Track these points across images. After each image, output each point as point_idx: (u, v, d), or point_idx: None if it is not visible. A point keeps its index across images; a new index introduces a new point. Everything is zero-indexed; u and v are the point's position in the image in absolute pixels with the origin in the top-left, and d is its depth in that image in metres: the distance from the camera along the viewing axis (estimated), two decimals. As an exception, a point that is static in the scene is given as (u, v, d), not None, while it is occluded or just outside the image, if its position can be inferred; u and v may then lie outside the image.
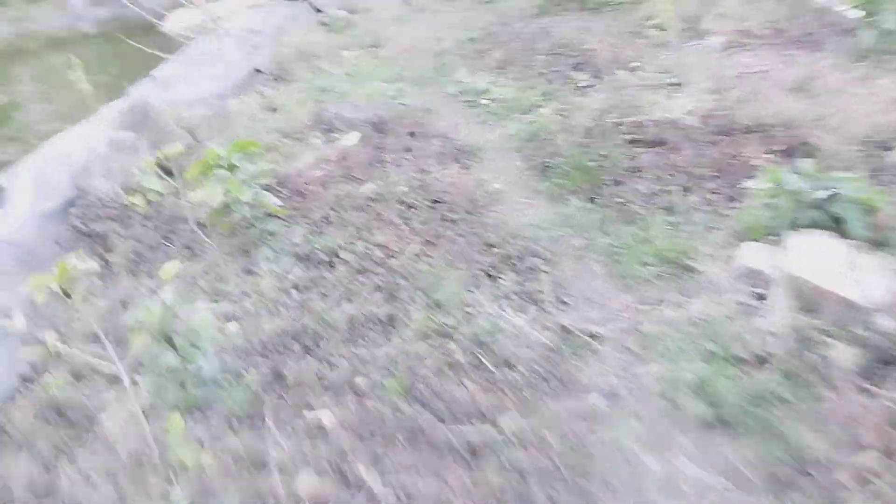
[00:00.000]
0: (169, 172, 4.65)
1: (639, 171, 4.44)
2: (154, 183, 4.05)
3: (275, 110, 6.34)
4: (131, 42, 7.66)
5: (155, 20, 9.55)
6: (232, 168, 3.71)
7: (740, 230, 3.60)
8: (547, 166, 4.84)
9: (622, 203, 4.20)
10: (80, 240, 3.94)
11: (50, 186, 4.11)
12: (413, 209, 4.28)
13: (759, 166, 4.15)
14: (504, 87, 6.32)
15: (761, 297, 3.18)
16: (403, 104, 6.41)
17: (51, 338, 3.15)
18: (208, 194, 3.55)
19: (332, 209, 4.21)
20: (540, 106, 5.86)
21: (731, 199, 4.01)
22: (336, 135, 5.50)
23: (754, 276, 3.26)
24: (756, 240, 3.47)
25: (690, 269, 3.55)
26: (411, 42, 8.43)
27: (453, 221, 4.17)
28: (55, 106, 7.99)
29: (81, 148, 4.31)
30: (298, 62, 7.75)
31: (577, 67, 6.60)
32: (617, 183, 4.41)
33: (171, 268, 2.75)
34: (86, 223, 3.97)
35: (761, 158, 4.31)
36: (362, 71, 7.37)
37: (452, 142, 5.43)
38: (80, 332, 3.31)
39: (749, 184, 3.93)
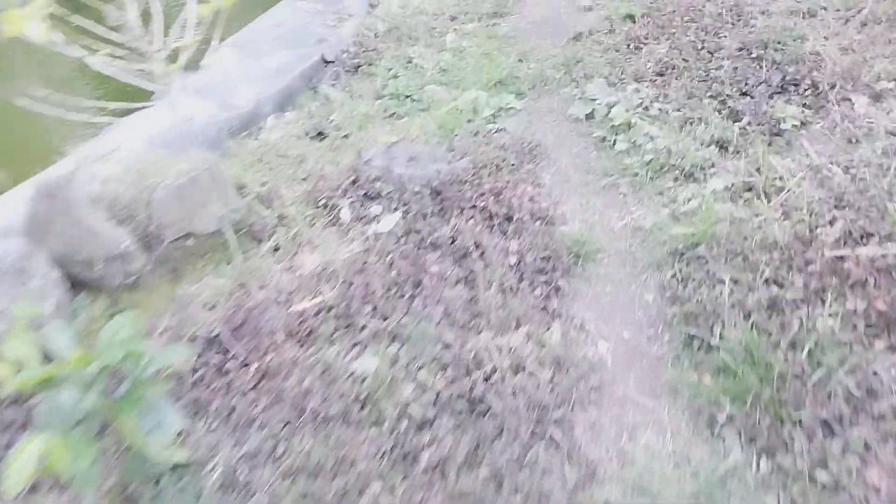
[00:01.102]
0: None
1: (875, 400, 2.25)
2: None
3: (322, 137, 4.62)
4: None
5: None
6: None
7: None
8: (693, 337, 2.77)
9: (832, 488, 2.09)
10: None
11: None
12: (423, 430, 2.45)
13: None
14: (658, 119, 4.11)
15: None
16: (502, 131, 4.44)
17: None
18: None
19: (285, 423, 2.49)
20: (710, 169, 3.64)
21: None
22: (375, 206, 3.71)
23: None
24: None
25: None
26: (546, 11, 6.21)
27: (490, 474, 2.31)
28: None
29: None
30: (388, 42, 5.90)
31: (783, 86, 4.19)
32: (827, 427, 2.27)
33: None
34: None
35: None
36: (464, 62, 5.39)
37: (549, 230, 3.45)
38: None
39: None
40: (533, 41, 5.66)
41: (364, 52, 5.77)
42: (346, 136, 4.62)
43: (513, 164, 4.04)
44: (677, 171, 3.67)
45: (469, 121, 4.59)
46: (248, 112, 4.67)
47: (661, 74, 4.54)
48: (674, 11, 5.21)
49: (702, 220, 3.20)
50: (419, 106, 4.97)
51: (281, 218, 3.78)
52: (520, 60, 5.41)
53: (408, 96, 5.08)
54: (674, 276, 3.03)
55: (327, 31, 6.09)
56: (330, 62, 5.58)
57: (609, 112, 4.24)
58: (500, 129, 4.50)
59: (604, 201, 3.72)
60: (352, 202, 3.77)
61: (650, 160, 3.76)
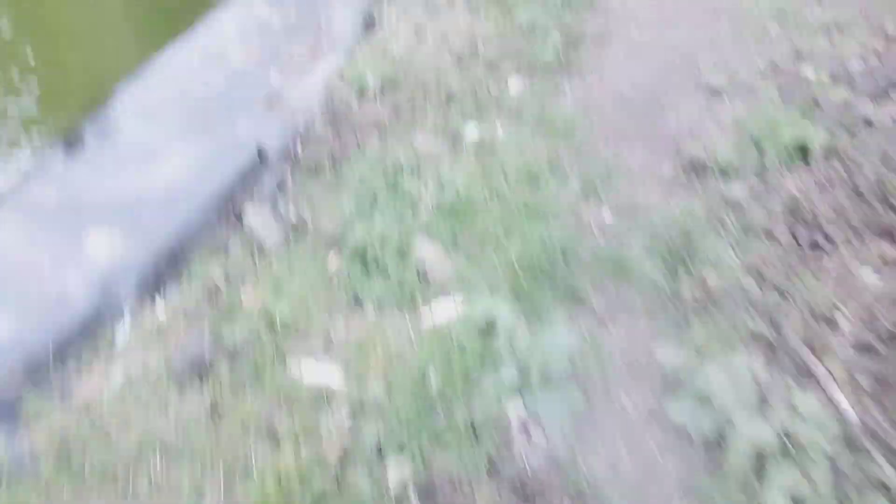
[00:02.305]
0: None
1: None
2: None
3: (204, 376, 2.39)
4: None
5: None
6: None
7: None
8: None
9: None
10: None
11: None
12: None
13: None
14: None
15: None
16: (532, 428, 2.18)
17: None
18: None
19: None
20: None
21: None
22: None
23: None
24: None
25: None
26: (641, 73, 3.62)
27: None
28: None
29: None
30: (378, 108, 3.48)
31: None
32: None
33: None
34: None
35: None
36: (488, 184, 3.00)
37: None
38: None
39: None
40: (611, 147, 3.18)
41: (334, 133, 3.38)
42: (253, 372, 2.40)
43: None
44: None
45: (469, 379, 2.31)
46: (85, 312, 2.46)
47: (866, 350, 2.13)
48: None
49: None
50: (394, 290, 2.69)
51: None
52: (585, 195, 2.98)
53: (378, 264, 2.77)
54: None
55: (286, 76, 3.65)
56: (264, 158, 3.21)
57: (756, 467, 1.92)
58: (530, 421, 2.22)
59: None
60: None
61: None
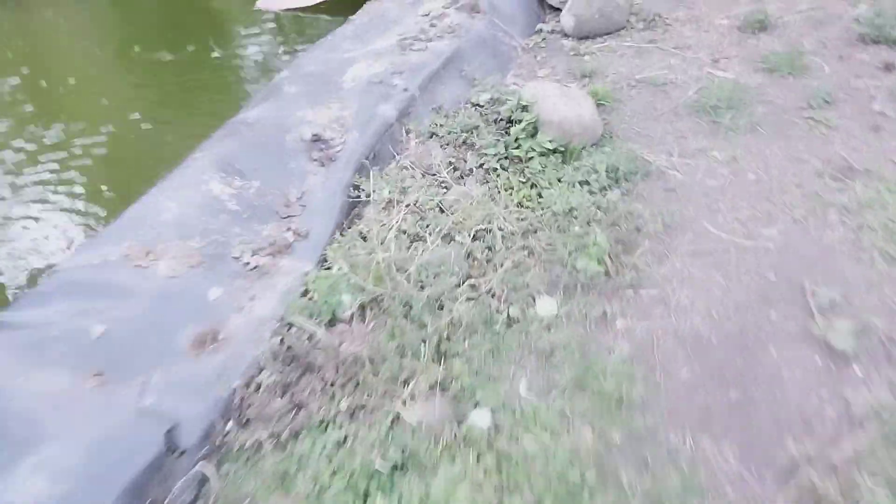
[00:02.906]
0: None
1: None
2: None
3: None
4: None
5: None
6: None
7: None
8: None
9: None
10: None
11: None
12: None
13: None
14: None
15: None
16: None
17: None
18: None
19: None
20: None
21: None
22: None
23: None
24: None
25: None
26: (719, 295, 2.59)
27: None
28: None
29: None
30: (345, 362, 2.49)
31: None
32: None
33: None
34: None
35: None
36: None
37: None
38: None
39: None
40: (687, 438, 2.15)
41: (286, 389, 2.39)
42: None
43: None
44: None
45: None
46: None
47: None
48: None
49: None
50: None
51: None
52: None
53: None
54: None
55: (231, 291, 2.69)
56: (178, 450, 2.22)
57: None
58: None
59: None
60: None
61: None
